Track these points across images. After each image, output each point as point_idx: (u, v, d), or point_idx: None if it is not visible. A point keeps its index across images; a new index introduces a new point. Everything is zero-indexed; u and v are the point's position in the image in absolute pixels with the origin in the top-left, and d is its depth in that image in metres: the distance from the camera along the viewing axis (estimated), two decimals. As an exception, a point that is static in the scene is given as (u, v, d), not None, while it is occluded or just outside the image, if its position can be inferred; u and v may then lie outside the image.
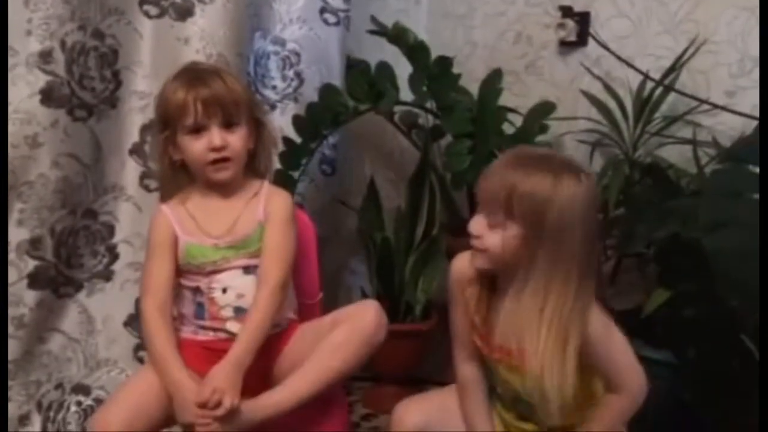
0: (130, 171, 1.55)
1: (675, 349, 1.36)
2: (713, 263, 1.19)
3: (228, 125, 1.19)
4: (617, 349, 1.05)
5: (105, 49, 1.50)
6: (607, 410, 1.07)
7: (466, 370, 1.13)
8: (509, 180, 0.98)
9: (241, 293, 1.19)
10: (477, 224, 1.02)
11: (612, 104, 1.67)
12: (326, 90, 1.71)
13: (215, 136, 1.18)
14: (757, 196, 1.26)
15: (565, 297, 0.99)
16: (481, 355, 1.12)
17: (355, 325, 1.16)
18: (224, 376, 1.09)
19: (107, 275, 1.55)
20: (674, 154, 1.62)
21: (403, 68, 1.74)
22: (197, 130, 1.19)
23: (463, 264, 1.09)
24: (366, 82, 1.71)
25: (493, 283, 1.07)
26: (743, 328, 1.36)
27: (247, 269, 1.20)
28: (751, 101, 1.59)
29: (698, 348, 1.39)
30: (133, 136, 1.54)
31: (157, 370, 1.14)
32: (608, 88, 1.69)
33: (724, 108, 1.57)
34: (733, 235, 1.19)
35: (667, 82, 1.61)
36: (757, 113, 1.54)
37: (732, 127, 1.58)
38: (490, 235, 1.01)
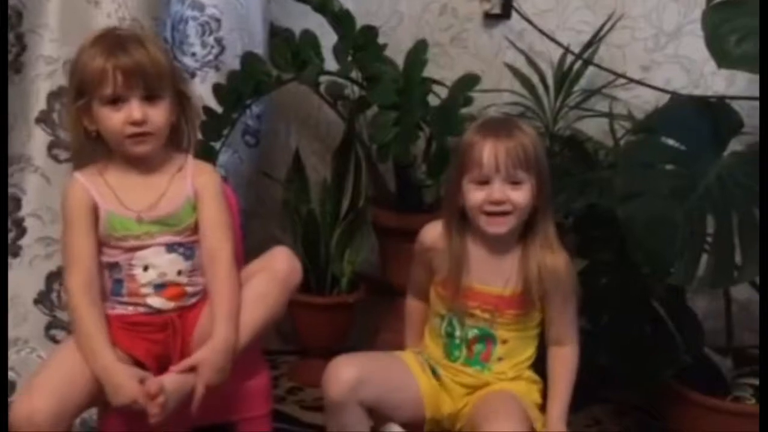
0: (37, 140, 1.46)
1: (591, 315, 1.41)
2: (626, 232, 1.23)
3: (149, 98, 1.14)
4: (573, 291, 1.19)
5: (8, 10, 1.40)
6: (569, 365, 1.20)
7: (414, 303, 1.30)
8: (520, 141, 1.13)
9: (163, 272, 1.16)
10: (501, 191, 1.12)
11: (535, 78, 1.70)
12: (248, 58, 1.66)
13: (135, 109, 1.12)
14: (669, 166, 1.31)
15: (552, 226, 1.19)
16: (446, 305, 1.21)
17: (271, 273, 1.18)
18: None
19: (14, 251, 1.46)
20: (592, 127, 1.66)
21: (328, 38, 1.70)
22: (115, 101, 1.12)
23: (433, 233, 1.22)
24: (290, 51, 1.67)
25: (464, 246, 1.19)
26: (653, 294, 1.43)
27: (171, 247, 1.16)
28: (664, 75, 1.65)
29: (612, 314, 1.44)
30: (41, 104, 1.45)
31: (83, 353, 1.09)
32: (531, 62, 1.71)
33: (639, 82, 1.62)
34: (645, 204, 1.24)
35: (586, 56, 1.65)
36: (669, 87, 1.60)
37: (646, 101, 1.63)
38: (515, 195, 1.13)
